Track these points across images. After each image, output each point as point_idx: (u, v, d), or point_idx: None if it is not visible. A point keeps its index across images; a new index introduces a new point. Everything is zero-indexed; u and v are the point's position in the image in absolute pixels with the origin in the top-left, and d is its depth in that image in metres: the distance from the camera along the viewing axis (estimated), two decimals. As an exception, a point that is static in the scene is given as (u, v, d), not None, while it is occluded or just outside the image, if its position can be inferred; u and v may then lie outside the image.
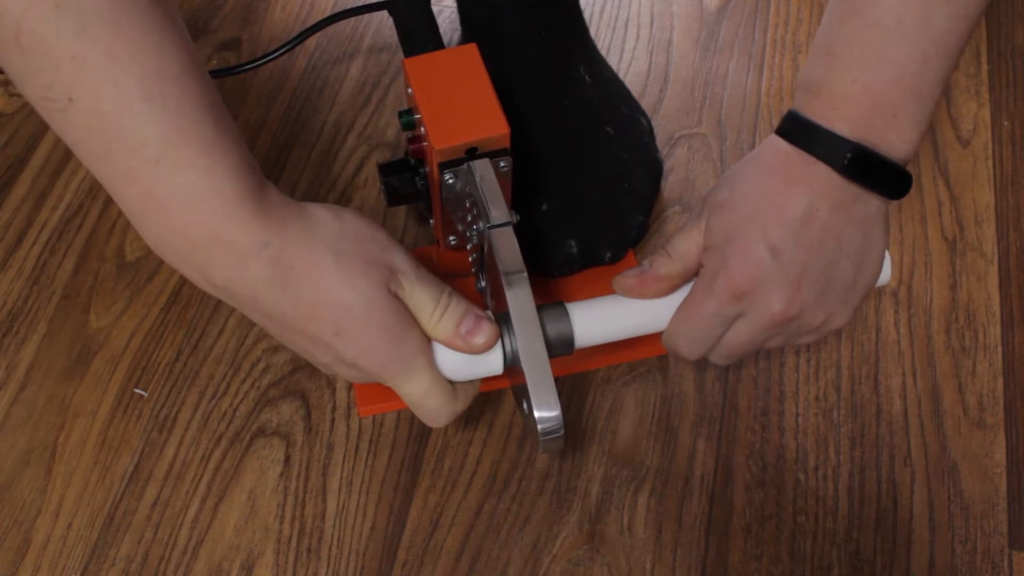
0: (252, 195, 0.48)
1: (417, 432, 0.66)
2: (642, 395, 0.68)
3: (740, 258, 0.53)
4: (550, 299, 0.58)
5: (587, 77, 0.74)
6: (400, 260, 0.53)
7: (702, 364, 0.69)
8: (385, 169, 0.64)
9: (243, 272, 0.49)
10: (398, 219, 0.76)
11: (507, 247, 0.56)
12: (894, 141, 0.52)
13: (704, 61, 0.85)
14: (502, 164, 0.60)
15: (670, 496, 0.64)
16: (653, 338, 0.59)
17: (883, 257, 0.55)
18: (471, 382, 0.57)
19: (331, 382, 0.68)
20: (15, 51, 0.43)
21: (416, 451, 0.66)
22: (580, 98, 0.73)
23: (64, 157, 0.79)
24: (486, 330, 0.54)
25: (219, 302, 0.71)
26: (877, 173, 0.52)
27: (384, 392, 0.56)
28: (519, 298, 0.54)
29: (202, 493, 0.64)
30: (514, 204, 0.63)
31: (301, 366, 0.69)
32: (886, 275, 0.58)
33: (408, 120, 0.61)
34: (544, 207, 0.70)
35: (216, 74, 0.77)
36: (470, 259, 0.63)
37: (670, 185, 0.78)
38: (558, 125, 0.72)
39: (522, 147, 0.64)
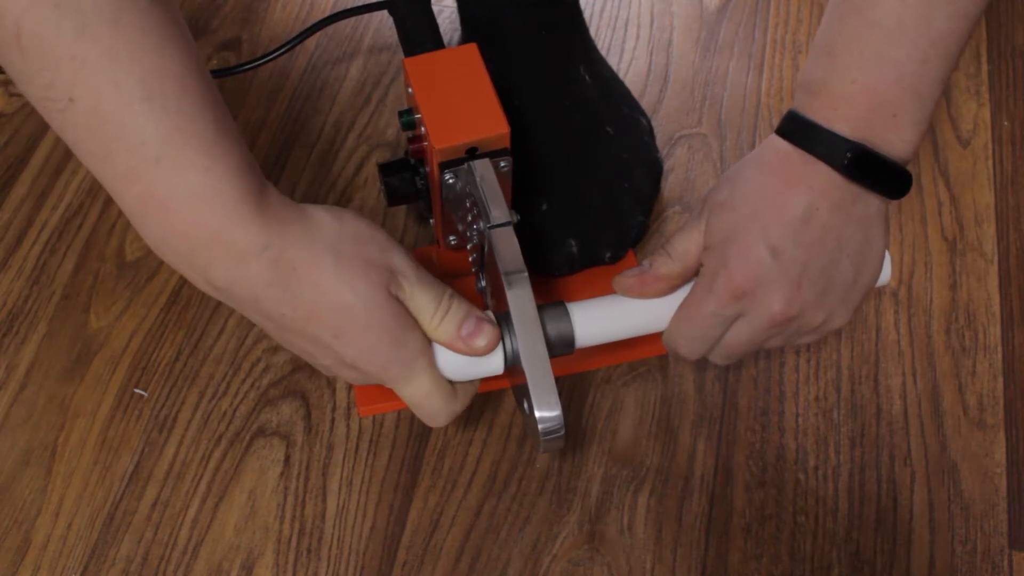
0: (252, 196, 0.48)
1: (417, 432, 0.66)
2: (642, 395, 0.68)
3: (740, 258, 0.53)
4: (550, 299, 0.58)
5: (587, 77, 0.74)
6: (401, 262, 0.53)
7: (702, 364, 0.69)
8: (385, 169, 0.64)
9: (243, 273, 0.49)
10: (398, 219, 0.76)
11: (507, 247, 0.56)
12: (894, 141, 0.52)
13: (704, 61, 0.85)
14: (502, 164, 0.60)
15: (670, 496, 0.64)
16: (653, 338, 0.59)
17: (883, 257, 0.55)
18: (471, 381, 0.57)
19: (331, 382, 0.68)
20: (15, 51, 0.43)
21: (416, 451, 0.66)
22: (580, 98, 0.73)
23: (64, 157, 0.79)
24: (487, 332, 0.54)
25: (219, 302, 0.70)
26: (877, 173, 0.52)
27: (384, 392, 0.56)
28: (520, 298, 0.54)
29: (202, 493, 0.64)
30: (514, 204, 0.63)
31: (301, 366, 0.69)
32: (886, 275, 0.58)
33: (408, 120, 0.61)
34: (544, 207, 0.70)
35: (216, 74, 0.77)
36: (470, 259, 0.63)
37: (670, 185, 0.78)
38: (558, 125, 0.72)
39: (522, 147, 0.64)
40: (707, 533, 0.63)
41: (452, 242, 0.65)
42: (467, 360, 0.55)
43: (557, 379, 0.54)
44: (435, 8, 0.83)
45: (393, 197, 0.64)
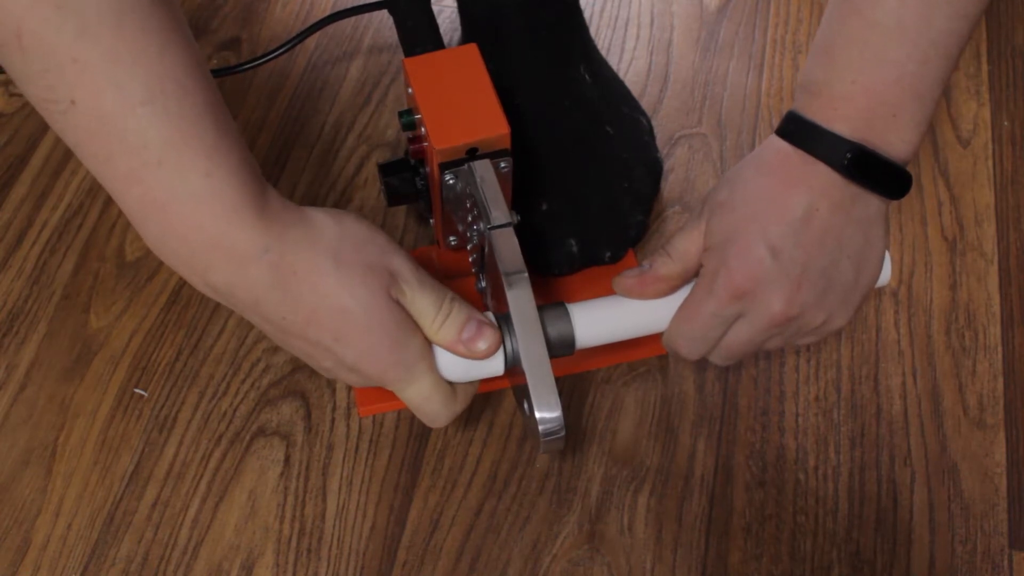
0: (253, 199, 0.48)
1: (417, 432, 0.66)
2: (642, 395, 0.68)
3: (740, 258, 0.53)
4: (550, 299, 0.59)
5: (587, 77, 0.74)
6: (401, 265, 0.53)
7: (702, 364, 0.69)
8: (385, 169, 0.64)
9: (243, 276, 0.49)
10: (398, 219, 0.76)
11: (508, 248, 0.56)
12: (894, 141, 0.52)
13: (704, 61, 0.85)
14: (502, 165, 0.60)
15: (670, 496, 0.64)
16: (653, 338, 0.59)
17: (883, 257, 0.55)
18: (471, 382, 0.57)
19: (331, 382, 0.68)
20: (17, 52, 0.43)
21: (416, 451, 0.66)
22: (580, 98, 0.73)
23: (64, 157, 0.79)
24: (488, 336, 0.54)
25: (219, 302, 0.71)
26: (877, 173, 0.52)
27: (384, 392, 0.56)
28: (520, 299, 0.54)
29: (202, 493, 0.64)
30: (514, 203, 0.63)
31: (301, 366, 0.69)
32: (886, 276, 0.58)
33: (408, 120, 0.61)
34: (544, 206, 0.70)
35: (216, 74, 0.77)
36: (470, 259, 0.63)
37: (670, 185, 0.78)
38: (558, 125, 0.72)
39: (522, 146, 0.64)
40: (707, 533, 0.63)
41: (452, 242, 0.65)
42: (467, 362, 0.55)
43: (557, 379, 0.54)
44: (435, 8, 0.83)
45: (393, 197, 0.64)
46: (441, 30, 0.66)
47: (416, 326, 0.53)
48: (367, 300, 0.51)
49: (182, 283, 0.72)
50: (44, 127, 0.81)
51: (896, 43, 0.51)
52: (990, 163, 0.79)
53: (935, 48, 0.51)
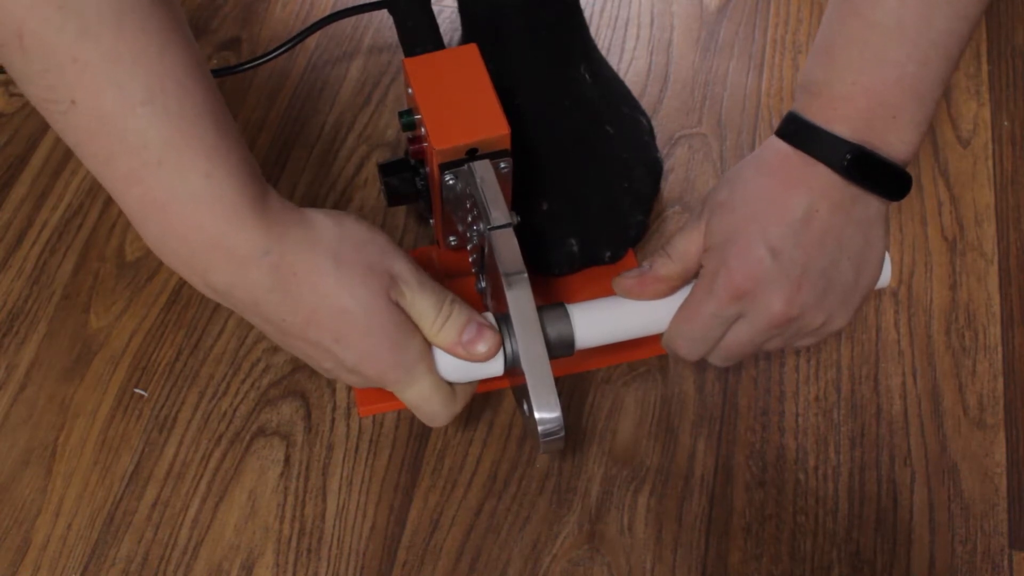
0: (253, 200, 0.48)
1: (417, 432, 0.66)
2: (642, 395, 0.68)
3: (740, 258, 0.53)
4: (550, 299, 0.59)
5: (587, 76, 0.74)
6: (402, 267, 0.53)
7: (702, 364, 0.69)
8: (385, 169, 0.64)
9: (243, 278, 0.49)
10: (398, 219, 0.76)
11: (507, 248, 0.56)
12: (894, 142, 0.52)
13: (704, 61, 0.85)
14: (502, 165, 0.60)
15: (670, 496, 0.64)
16: (653, 338, 0.59)
17: (883, 258, 0.55)
18: (470, 382, 0.57)
19: (331, 382, 0.68)
20: (17, 52, 0.43)
21: (416, 451, 0.66)
22: (580, 97, 0.73)
23: (64, 157, 0.79)
24: (488, 338, 0.54)
25: (219, 303, 0.71)
26: (877, 174, 0.52)
27: (384, 392, 0.56)
28: (520, 299, 0.54)
29: (202, 493, 0.64)
30: (514, 203, 0.63)
31: (301, 366, 0.69)
32: (886, 277, 0.58)
33: (408, 120, 0.61)
34: (544, 206, 0.70)
35: (216, 74, 0.77)
36: (470, 259, 0.63)
37: (670, 185, 0.78)
38: (558, 124, 0.72)
39: (522, 146, 0.64)
40: (707, 533, 0.63)
41: (452, 242, 0.65)
42: (467, 363, 0.55)
43: (557, 380, 0.54)
44: (435, 8, 0.83)
45: (393, 197, 0.64)
46: (441, 30, 0.66)
47: (416, 328, 0.53)
48: (367, 301, 0.51)
49: (182, 283, 0.72)
50: (44, 127, 0.81)
51: (896, 44, 0.51)
52: (990, 163, 0.79)
53: (935, 49, 0.51)
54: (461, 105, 0.59)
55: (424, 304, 0.53)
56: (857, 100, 0.51)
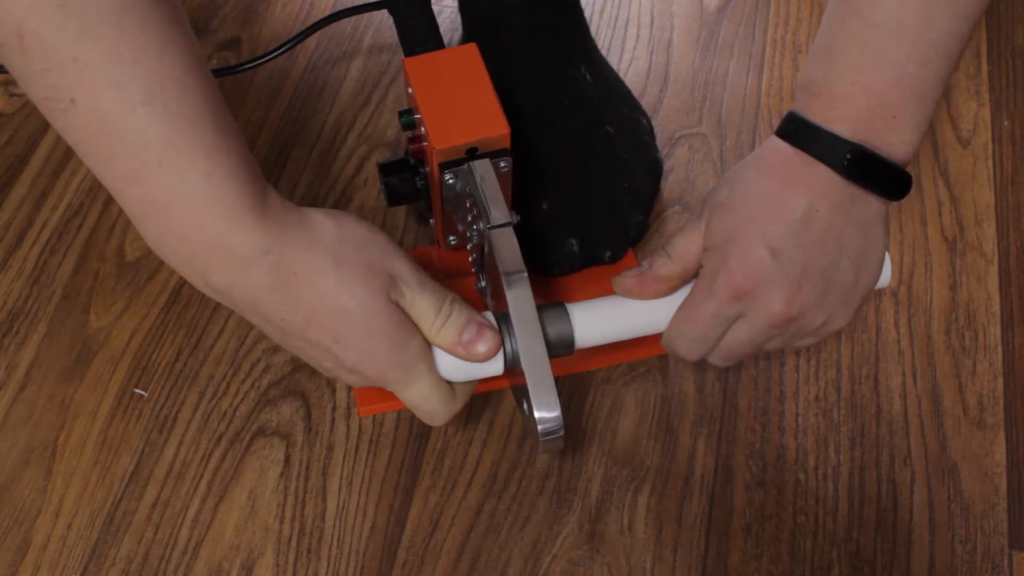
0: (253, 200, 0.48)
1: (417, 432, 0.66)
2: (642, 395, 0.68)
3: (740, 258, 0.53)
4: (550, 299, 0.59)
5: (587, 76, 0.74)
6: (402, 267, 0.53)
7: (702, 364, 0.69)
8: (385, 169, 0.64)
9: (243, 277, 0.49)
10: (398, 219, 0.76)
11: (507, 247, 0.56)
12: (894, 142, 0.52)
13: (704, 61, 0.85)
14: (502, 164, 0.60)
15: (670, 496, 0.64)
16: (653, 338, 0.59)
17: (883, 258, 0.55)
18: (470, 381, 0.57)
19: (331, 382, 0.68)
20: (18, 52, 0.43)
21: (416, 451, 0.66)
22: (580, 97, 0.73)
23: (64, 157, 0.79)
24: (488, 338, 0.54)
25: (219, 302, 0.71)
26: (877, 174, 0.52)
27: (384, 392, 0.56)
28: (519, 298, 0.54)
29: (202, 493, 0.64)
30: (514, 203, 0.63)
31: (301, 366, 0.69)
32: (886, 277, 0.58)
33: (408, 120, 0.61)
34: (544, 206, 0.70)
35: (216, 74, 0.77)
36: (470, 259, 0.63)
37: (670, 185, 0.78)
38: (558, 124, 0.72)
39: (522, 146, 0.64)
40: (707, 533, 0.63)
41: (452, 242, 0.65)
42: (467, 362, 0.55)
43: (557, 379, 0.54)
44: (435, 8, 0.83)
45: (393, 197, 0.64)
46: (441, 30, 0.66)
47: (415, 328, 0.53)
48: (367, 301, 0.51)
49: (182, 283, 0.72)
50: (44, 127, 0.81)
51: (896, 44, 0.51)
52: (990, 163, 0.79)
53: (935, 49, 0.51)
54: (461, 104, 0.59)
55: (424, 304, 0.53)
56: (857, 100, 0.51)
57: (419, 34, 0.65)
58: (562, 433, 0.53)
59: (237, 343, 0.70)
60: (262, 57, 0.78)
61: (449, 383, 0.56)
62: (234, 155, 0.47)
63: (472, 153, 0.59)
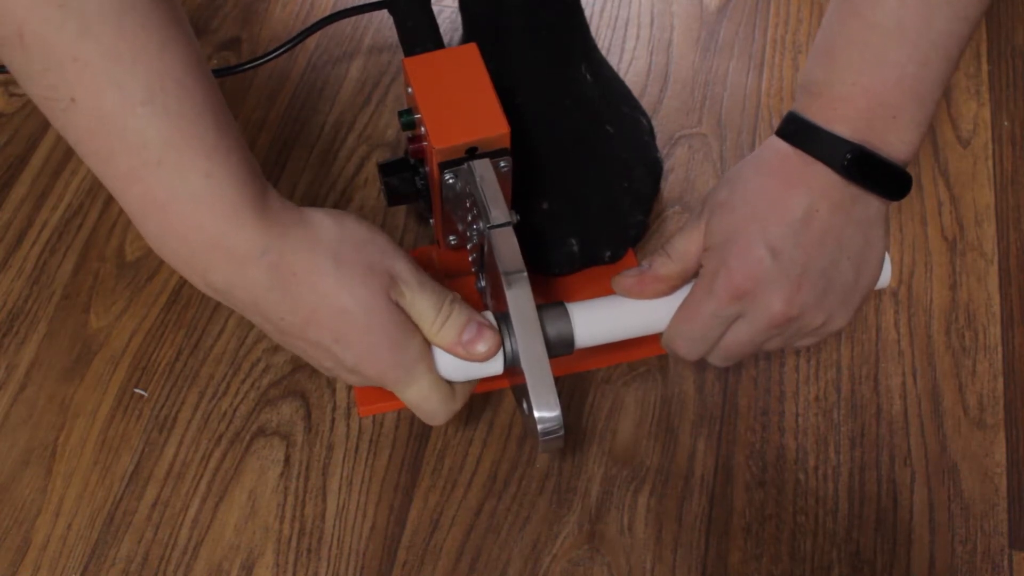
0: (252, 200, 0.48)
1: (417, 432, 0.66)
2: (642, 395, 0.68)
3: (740, 258, 0.53)
4: (550, 299, 0.59)
5: (588, 76, 0.74)
6: (402, 267, 0.53)
7: (702, 364, 0.69)
8: (385, 169, 0.64)
9: (243, 277, 0.49)
10: (398, 219, 0.76)
11: (507, 247, 0.56)
12: (894, 142, 0.52)
13: (704, 61, 0.85)
14: (502, 164, 0.60)
15: (670, 496, 0.64)
16: (653, 338, 0.59)
17: (883, 259, 0.55)
18: (469, 381, 0.57)
19: (331, 382, 0.68)
20: (18, 51, 0.43)
21: (416, 451, 0.66)
22: (580, 97, 0.73)
23: (64, 157, 0.79)
24: (488, 338, 0.54)
25: (219, 302, 0.71)
26: (877, 174, 0.52)
27: (384, 392, 0.56)
28: (519, 298, 0.54)
29: (202, 493, 0.64)
30: (514, 203, 0.63)
31: (301, 366, 0.69)
32: (886, 277, 0.58)
33: (408, 120, 0.61)
34: (544, 206, 0.70)
35: (216, 74, 0.77)
36: (470, 259, 0.63)
37: (670, 185, 0.78)
38: (558, 124, 0.72)
39: (522, 146, 0.64)
40: (707, 533, 0.63)
41: (452, 242, 0.65)
42: (467, 362, 0.55)
43: (557, 379, 0.54)
44: (435, 8, 0.83)
45: (393, 197, 0.64)
46: (441, 30, 0.66)
47: (415, 327, 0.53)
48: (367, 301, 0.51)
49: (182, 283, 0.72)
50: (44, 127, 0.81)
51: (896, 45, 0.51)
52: (990, 163, 0.79)
53: (935, 50, 0.51)
54: (461, 104, 0.59)
55: (424, 304, 0.53)
56: (857, 100, 0.52)
57: (419, 34, 0.65)
58: (562, 433, 0.53)
59: (237, 343, 0.70)
60: (262, 57, 0.78)
61: (449, 383, 0.56)
62: (234, 155, 0.47)
63: (472, 153, 0.59)
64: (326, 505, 0.63)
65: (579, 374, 0.68)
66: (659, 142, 0.79)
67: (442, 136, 0.58)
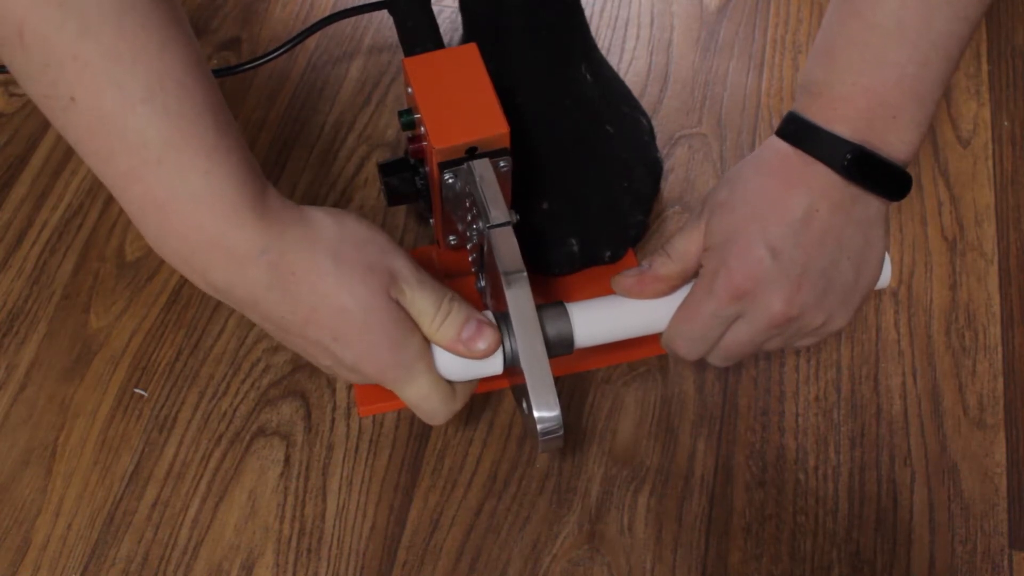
0: (252, 199, 0.48)
1: (417, 432, 0.66)
2: (642, 395, 0.68)
3: (740, 258, 0.53)
4: (550, 299, 0.58)
5: (588, 76, 0.74)
6: (401, 265, 0.53)
7: (702, 364, 0.69)
8: (385, 169, 0.64)
9: (242, 276, 0.49)
10: (398, 219, 0.76)
11: (507, 247, 0.56)
12: (894, 142, 0.52)
13: (704, 61, 0.85)
14: (502, 164, 0.60)
15: (670, 496, 0.64)
16: (653, 338, 0.59)
17: (883, 259, 0.55)
18: (469, 380, 0.57)
19: (331, 382, 0.68)
20: (18, 50, 0.43)
21: (416, 451, 0.66)
22: (580, 97, 0.73)
23: (64, 157, 0.79)
24: (488, 336, 0.54)
25: (219, 302, 0.71)
26: (877, 174, 0.52)
27: (384, 392, 0.56)
28: (519, 298, 0.54)
29: (202, 493, 0.64)
30: (514, 203, 0.63)
31: (301, 366, 0.69)
32: (886, 277, 0.58)
33: (408, 120, 0.61)
34: (544, 206, 0.70)
35: (216, 74, 0.77)
36: (470, 259, 0.63)
37: (670, 185, 0.78)
38: (558, 124, 0.72)
39: (522, 146, 0.64)
40: (707, 533, 0.63)
41: (452, 242, 0.65)
42: (466, 361, 0.55)
43: (557, 379, 0.54)
44: (435, 8, 0.83)
45: (393, 197, 0.64)
46: (441, 30, 0.66)
47: (415, 326, 0.53)
48: (366, 300, 0.51)
49: (182, 283, 0.72)
50: (44, 127, 0.81)
51: (896, 45, 0.51)
52: (990, 163, 0.79)
53: (935, 50, 0.51)
54: (461, 104, 0.59)
55: (424, 302, 0.53)
56: (857, 100, 0.52)
57: (419, 34, 0.65)
58: (561, 433, 0.53)
59: (237, 343, 0.70)
60: (262, 57, 0.78)
61: (449, 382, 0.56)
62: (234, 154, 0.47)
63: (472, 153, 0.59)
64: (326, 505, 0.63)
65: (579, 374, 0.68)
66: (659, 142, 0.79)
67: (442, 136, 0.58)
